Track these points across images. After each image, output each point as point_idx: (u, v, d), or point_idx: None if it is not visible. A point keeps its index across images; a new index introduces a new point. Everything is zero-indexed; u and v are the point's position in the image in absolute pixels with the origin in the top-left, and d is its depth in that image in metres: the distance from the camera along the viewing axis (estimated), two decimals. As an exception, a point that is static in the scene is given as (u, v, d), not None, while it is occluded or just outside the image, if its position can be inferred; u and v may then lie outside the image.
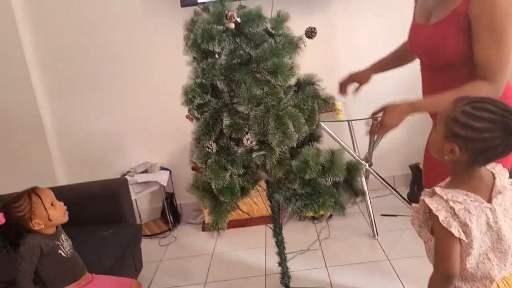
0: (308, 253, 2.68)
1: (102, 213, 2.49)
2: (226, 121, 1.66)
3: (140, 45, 3.25)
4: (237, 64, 1.70)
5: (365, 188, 2.73)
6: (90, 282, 1.85)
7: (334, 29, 3.23)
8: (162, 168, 3.35)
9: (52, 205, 1.74)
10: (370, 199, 2.88)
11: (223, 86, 1.71)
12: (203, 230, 3.24)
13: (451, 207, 1.14)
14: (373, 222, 2.79)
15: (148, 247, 2.98)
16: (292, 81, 1.82)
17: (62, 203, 1.80)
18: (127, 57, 3.27)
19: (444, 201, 1.15)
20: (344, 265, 2.50)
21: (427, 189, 1.27)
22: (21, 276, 1.65)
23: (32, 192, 1.73)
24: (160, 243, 3.14)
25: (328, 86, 1.95)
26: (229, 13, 1.64)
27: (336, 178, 1.70)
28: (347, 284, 2.30)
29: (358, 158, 2.85)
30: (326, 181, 1.69)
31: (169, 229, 3.31)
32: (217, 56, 1.72)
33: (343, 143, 2.83)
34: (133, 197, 2.88)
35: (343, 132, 3.03)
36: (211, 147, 1.72)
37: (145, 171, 3.26)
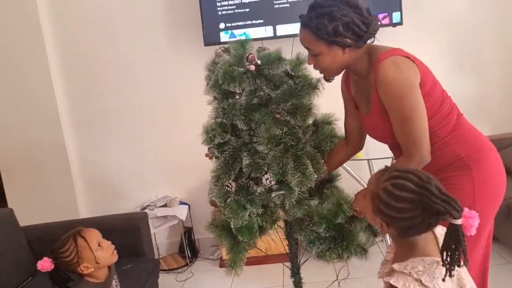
0: (326, 293, 2.62)
1: (122, 247, 2.48)
2: (245, 160, 1.68)
3: (163, 82, 3.37)
4: (256, 104, 1.74)
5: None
6: None
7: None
8: (182, 203, 3.38)
9: (99, 245, 1.67)
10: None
11: (243, 126, 1.74)
12: (221, 266, 3.22)
13: (416, 280, 1.09)
14: (394, 263, 2.72)
15: (165, 282, 2.98)
16: (310, 120, 1.84)
17: (109, 243, 1.73)
18: (151, 93, 3.38)
19: (408, 276, 1.11)
20: (364, 308, 2.44)
21: (384, 270, 1.27)
22: None
23: (78, 234, 1.66)
24: (177, 278, 3.13)
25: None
26: (250, 56, 1.70)
27: (363, 223, 1.69)
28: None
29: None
30: (353, 225, 1.68)
31: (187, 264, 3.30)
32: (237, 96, 1.76)
33: (363, 182, 2.82)
34: (152, 230, 2.90)
35: (363, 171, 3.01)
36: (230, 186, 1.74)
37: (165, 205, 3.30)
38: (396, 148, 1.65)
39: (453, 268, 1.07)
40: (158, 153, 3.47)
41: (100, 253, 1.65)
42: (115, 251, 1.73)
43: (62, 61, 3.34)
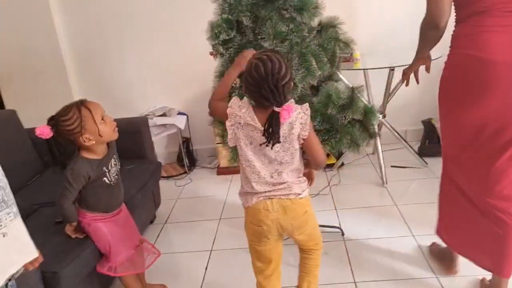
0: (318, 197, 2.79)
1: (124, 149, 2.58)
2: (250, 56, 1.72)
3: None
4: (263, 0, 1.74)
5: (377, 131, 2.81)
6: (118, 214, 1.82)
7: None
8: (180, 113, 3.44)
9: (102, 119, 1.62)
10: (381, 151, 2.96)
11: (249, 23, 1.76)
12: (218, 174, 3.36)
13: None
14: (383, 171, 2.89)
15: (165, 187, 3.11)
16: (315, 21, 1.86)
17: (112, 119, 1.68)
18: (150, 3, 3.30)
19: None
20: (352, 208, 2.62)
21: None
22: (64, 199, 1.63)
23: (82, 105, 1.59)
24: (177, 184, 3.28)
25: (348, 32, 2.00)
26: (258, -51, 1.67)
27: (355, 116, 1.78)
28: (355, 225, 2.42)
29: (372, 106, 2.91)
30: (345, 118, 1.77)
31: (185, 172, 3.44)
32: (244, -8, 1.76)
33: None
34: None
35: (359, 82, 3.06)
36: (235, 82, 1.79)
37: (163, 115, 3.36)
38: None
39: (271, 142, 1.36)
40: (157, 64, 3.46)
41: (103, 126, 1.61)
42: (117, 129, 1.70)
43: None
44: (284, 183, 1.45)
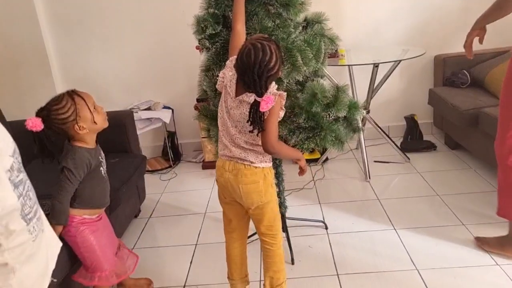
0: (303, 191, 2.82)
1: (109, 143, 2.57)
2: (236, 51, 1.73)
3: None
4: (249, -5, 1.74)
5: (361, 126, 2.85)
6: (101, 219, 1.77)
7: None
8: (165, 107, 3.43)
9: (94, 108, 1.60)
10: (365, 146, 3.00)
11: (235, 17, 1.76)
12: (203, 168, 3.37)
13: None
14: (367, 166, 2.93)
15: (150, 181, 3.10)
16: (301, 17, 1.88)
17: (102, 107, 1.66)
18: (134, -7, 3.27)
19: None
20: (336, 202, 2.65)
21: None
22: (64, 193, 1.57)
23: (74, 93, 1.57)
24: (161, 178, 3.28)
25: (334, 28, 2.02)
26: None
27: (340, 113, 1.80)
28: (339, 219, 2.46)
29: (356, 101, 2.95)
30: (330, 116, 1.79)
31: (170, 166, 3.43)
32: (230, -13, 1.76)
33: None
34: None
35: (343, 78, 3.11)
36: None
37: (149, 109, 3.34)
38: None
39: (256, 130, 1.41)
40: (142, 57, 3.44)
41: (96, 114, 1.59)
42: (107, 117, 1.68)
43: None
44: (242, 149, 1.53)
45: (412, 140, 3.36)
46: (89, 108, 1.57)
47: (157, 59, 3.43)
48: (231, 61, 1.52)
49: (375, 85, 3.06)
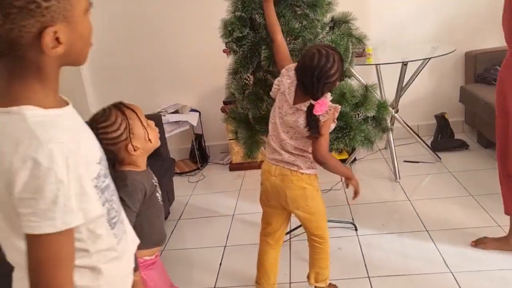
0: (331, 192, 2.80)
1: (138, 146, 2.63)
2: (264, 53, 1.74)
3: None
4: (276, -2, 1.74)
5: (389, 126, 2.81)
6: (157, 256, 1.44)
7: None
8: (192, 110, 3.46)
9: (147, 124, 1.31)
10: (394, 146, 2.95)
11: (262, 20, 1.77)
12: (231, 170, 3.38)
13: None
14: (396, 166, 2.88)
15: (178, 184, 3.15)
16: (328, 17, 1.87)
17: (153, 122, 1.35)
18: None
19: None
20: (366, 203, 2.62)
21: None
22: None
23: (122, 105, 1.27)
24: (190, 180, 3.31)
25: (361, 27, 2.00)
26: None
27: (368, 113, 1.78)
28: (368, 221, 2.42)
29: (384, 101, 2.90)
30: (359, 115, 1.78)
31: (198, 168, 3.47)
32: (257, -10, 1.76)
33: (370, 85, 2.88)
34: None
35: (371, 77, 3.06)
36: (248, 79, 1.81)
37: (176, 112, 3.39)
38: None
39: (312, 135, 1.48)
40: (168, 61, 3.48)
41: (150, 131, 1.30)
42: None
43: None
44: (291, 154, 1.56)
45: (443, 139, 3.28)
46: (142, 124, 1.28)
47: (184, 62, 3.47)
48: (287, 70, 1.56)
49: (404, 83, 3.01)
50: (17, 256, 0.76)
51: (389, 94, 3.10)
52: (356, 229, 2.35)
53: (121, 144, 1.24)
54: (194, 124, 3.34)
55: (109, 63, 3.50)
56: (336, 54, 1.46)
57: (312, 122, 1.46)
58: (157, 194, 1.37)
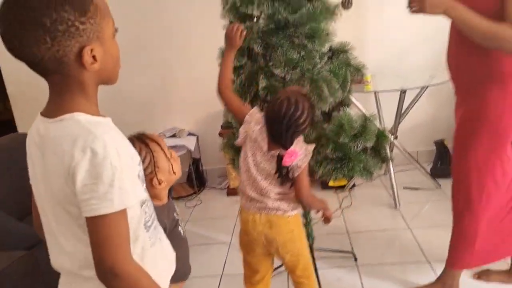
0: (330, 220, 2.76)
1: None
2: (262, 83, 1.73)
3: (173, 11, 3.31)
4: (274, 28, 1.75)
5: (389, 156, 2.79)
6: None
7: (367, 3, 3.22)
8: (190, 134, 3.45)
9: (171, 155, 1.30)
10: (393, 172, 2.93)
11: (260, 50, 1.77)
12: (228, 195, 3.35)
13: None
14: (395, 193, 2.85)
15: (175, 208, 3.11)
16: (326, 47, 1.86)
17: (175, 152, 1.34)
18: (160, 21, 3.34)
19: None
20: (365, 231, 2.58)
21: None
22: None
23: (145, 137, 1.26)
24: (186, 205, 3.27)
25: (359, 56, 2.00)
26: (269, -22, 1.68)
27: (367, 144, 1.77)
28: (368, 250, 2.38)
29: (384, 129, 2.89)
30: (357, 146, 1.76)
31: (195, 193, 3.43)
32: (255, 20, 1.77)
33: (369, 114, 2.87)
34: (162, 159, 2.99)
35: (370, 104, 3.06)
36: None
37: (173, 136, 3.37)
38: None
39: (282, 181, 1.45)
40: (167, 84, 3.48)
41: (173, 163, 1.28)
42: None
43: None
44: (274, 200, 1.51)
45: (443, 166, 3.26)
46: (166, 155, 1.26)
47: (181, 86, 3.47)
48: (250, 115, 1.51)
49: (403, 110, 3.00)
50: (65, 260, 0.89)
51: (388, 120, 3.09)
52: (355, 259, 2.30)
53: (146, 178, 1.10)
54: (192, 148, 3.32)
55: (106, 86, 3.49)
56: (305, 101, 1.42)
57: (283, 171, 1.42)
58: (179, 228, 1.34)
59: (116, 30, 0.95)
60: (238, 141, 1.55)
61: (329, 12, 1.76)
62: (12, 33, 0.79)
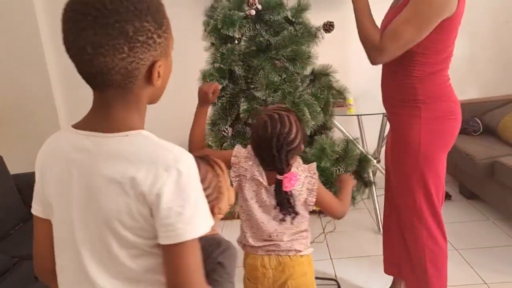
0: (313, 245, 2.66)
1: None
2: (243, 106, 1.70)
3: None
4: (256, 50, 1.73)
5: (372, 180, 2.77)
6: None
7: (349, 26, 3.25)
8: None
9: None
10: (377, 196, 2.90)
11: (241, 72, 1.75)
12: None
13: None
14: (379, 218, 2.82)
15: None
16: (308, 70, 1.86)
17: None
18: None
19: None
20: (348, 257, 2.53)
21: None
22: None
23: (211, 160, 1.14)
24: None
25: (341, 80, 2.00)
26: (251, 0, 1.68)
27: (349, 168, 1.74)
28: (351, 276, 2.32)
29: (366, 153, 2.88)
30: (339, 170, 1.73)
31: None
32: (236, 42, 1.75)
33: (352, 138, 2.86)
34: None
35: (352, 127, 3.06)
36: (227, 131, 1.75)
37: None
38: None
39: (286, 215, 1.29)
40: (147, 107, 3.43)
41: (231, 191, 1.17)
42: None
43: (51, 18, 3.22)
44: (287, 241, 1.35)
45: (425, 189, 3.25)
46: (226, 182, 1.15)
47: (158, 109, 3.41)
48: (236, 156, 1.35)
49: (385, 133, 3.00)
50: None
51: (371, 143, 3.09)
52: (339, 286, 2.24)
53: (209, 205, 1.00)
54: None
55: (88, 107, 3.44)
56: (290, 114, 1.30)
57: (283, 200, 1.25)
58: None
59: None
60: (234, 187, 1.36)
61: (311, 35, 1.76)
62: (88, 38, 0.70)
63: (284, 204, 1.26)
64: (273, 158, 1.25)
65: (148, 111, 0.81)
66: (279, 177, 1.25)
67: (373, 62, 1.59)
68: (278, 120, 1.25)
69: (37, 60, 3.25)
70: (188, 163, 0.75)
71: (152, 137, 0.79)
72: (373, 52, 1.55)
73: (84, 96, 3.49)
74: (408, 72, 1.59)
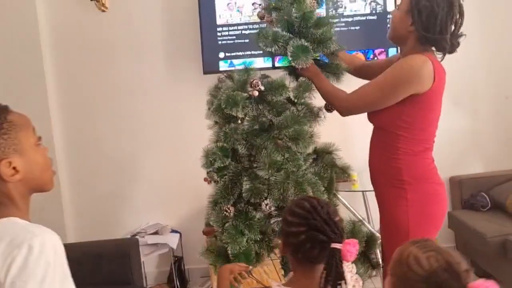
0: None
1: (110, 273, 2.44)
2: (245, 185, 1.67)
3: (158, 109, 3.36)
4: (258, 130, 1.75)
5: (380, 261, 2.66)
6: None
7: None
8: (173, 231, 3.31)
9: None
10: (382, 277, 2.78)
11: (244, 151, 1.74)
12: (211, 297, 3.12)
13: None
14: (388, 298, 2.67)
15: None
16: (311, 149, 1.85)
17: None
18: (146, 119, 3.37)
19: None
20: None
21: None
22: None
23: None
24: (165, 309, 3.03)
25: (344, 155, 1.99)
26: (254, 81, 1.72)
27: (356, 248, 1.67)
28: None
29: (373, 230, 2.80)
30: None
31: (175, 295, 3.20)
32: (239, 121, 1.77)
33: (358, 214, 2.80)
34: (141, 258, 2.83)
35: (357, 203, 3.00)
36: (229, 211, 1.72)
37: (156, 233, 3.23)
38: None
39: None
40: (151, 179, 3.42)
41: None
42: None
43: (58, 85, 3.32)
44: None
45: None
46: None
47: (166, 181, 3.41)
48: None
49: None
50: None
51: (377, 220, 3.01)
52: None
53: None
54: (174, 247, 3.16)
55: (90, 179, 3.43)
56: (305, 201, 1.19)
57: (336, 273, 1.04)
58: None
59: (39, 139, 0.98)
60: None
61: (313, 115, 1.78)
62: None
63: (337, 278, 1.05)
64: (327, 223, 1.10)
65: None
66: (337, 245, 1.06)
67: (342, 115, 1.79)
68: (306, 200, 1.19)
69: (38, 89, 3.18)
70: (44, 240, 0.81)
71: (20, 222, 0.88)
72: (340, 108, 1.77)
73: (88, 169, 3.49)
74: (393, 148, 1.68)
